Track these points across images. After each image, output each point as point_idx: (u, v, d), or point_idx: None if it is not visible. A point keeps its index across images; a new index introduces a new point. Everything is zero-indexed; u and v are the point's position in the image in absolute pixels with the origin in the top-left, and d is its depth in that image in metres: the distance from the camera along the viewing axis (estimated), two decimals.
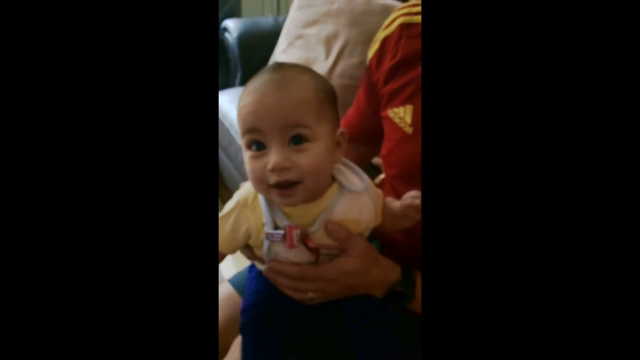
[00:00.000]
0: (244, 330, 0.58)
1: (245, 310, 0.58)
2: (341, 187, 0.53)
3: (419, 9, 0.63)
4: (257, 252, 0.56)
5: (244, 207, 0.53)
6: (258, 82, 0.50)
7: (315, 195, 0.51)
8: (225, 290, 0.73)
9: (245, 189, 0.54)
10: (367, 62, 0.70)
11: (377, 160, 1.03)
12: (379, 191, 0.58)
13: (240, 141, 0.51)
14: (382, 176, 0.98)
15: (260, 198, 0.52)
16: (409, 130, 0.62)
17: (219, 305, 0.70)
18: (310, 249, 0.52)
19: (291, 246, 0.50)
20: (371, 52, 0.69)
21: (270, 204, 0.52)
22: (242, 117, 0.49)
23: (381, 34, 0.67)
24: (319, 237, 0.52)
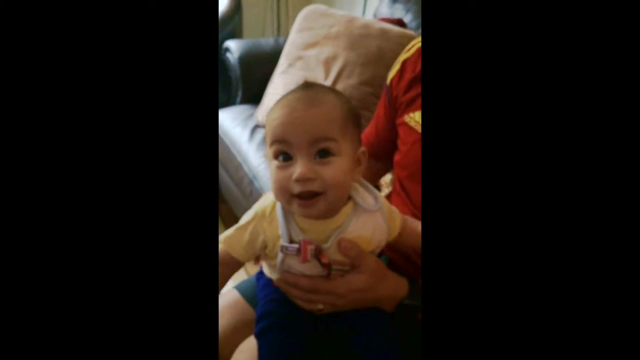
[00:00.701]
0: (260, 336, 0.59)
1: (261, 317, 0.60)
2: (356, 205, 0.55)
3: None
4: (271, 262, 0.57)
5: (261, 219, 0.55)
6: (289, 98, 0.53)
7: (332, 210, 0.53)
8: (232, 297, 0.75)
9: (264, 201, 0.56)
10: (388, 82, 0.77)
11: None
12: (395, 210, 0.60)
13: (267, 151, 0.53)
14: (382, 194, 1.01)
15: (278, 211, 0.54)
16: None
17: (226, 311, 0.72)
18: (323, 264, 0.53)
19: (305, 260, 0.52)
20: (392, 73, 0.77)
21: (287, 217, 0.54)
22: (272, 128, 0.52)
23: (401, 57, 0.76)
24: (332, 253, 0.54)
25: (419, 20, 1.48)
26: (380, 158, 0.82)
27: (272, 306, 0.59)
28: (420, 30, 1.44)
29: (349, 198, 0.55)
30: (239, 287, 0.76)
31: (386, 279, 0.58)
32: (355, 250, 0.54)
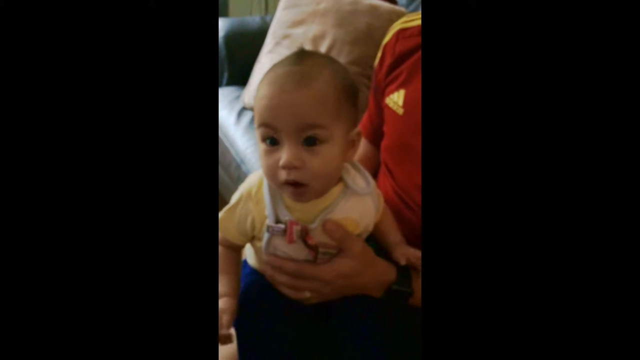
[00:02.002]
0: (239, 327, 0.58)
1: (241, 307, 0.58)
2: (346, 186, 0.53)
3: (413, 17, 0.73)
4: (258, 244, 0.56)
5: (247, 199, 0.53)
6: (278, 72, 0.49)
7: (322, 193, 0.52)
8: None
9: (250, 181, 0.55)
10: (374, 69, 0.77)
11: None
12: (379, 192, 0.59)
13: (256, 130, 0.51)
14: None
15: (265, 191, 0.53)
16: (400, 111, 0.68)
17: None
18: (309, 246, 0.52)
19: (290, 241, 0.51)
20: (377, 59, 0.77)
21: (274, 197, 0.52)
22: (258, 109, 0.49)
23: (383, 43, 0.76)
24: (319, 235, 0.53)
25: None
26: (375, 143, 0.81)
27: (253, 295, 0.58)
28: (410, 7, 1.40)
29: (340, 179, 0.53)
30: None
31: (373, 264, 0.57)
32: (340, 232, 0.53)
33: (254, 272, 0.60)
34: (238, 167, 1.30)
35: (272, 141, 0.48)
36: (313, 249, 0.52)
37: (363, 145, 0.78)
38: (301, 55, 0.50)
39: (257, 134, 0.50)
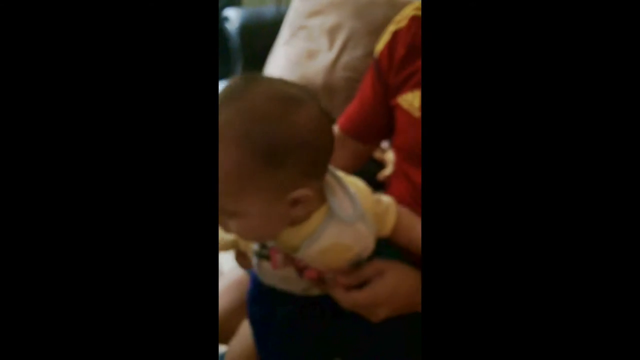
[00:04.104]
0: (254, 322, 0.59)
1: (253, 301, 0.59)
2: (332, 209, 0.48)
3: None
4: (249, 256, 0.55)
5: None
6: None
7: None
8: (236, 274, 0.75)
9: None
10: (376, 54, 0.70)
11: (379, 155, 1.02)
12: (390, 204, 0.55)
13: None
14: (386, 172, 0.97)
15: None
16: (417, 114, 0.64)
17: (232, 288, 0.73)
18: (300, 271, 0.51)
19: (275, 267, 0.51)
20: (381, 44, 0.70)
21: None
22: None
23: (392, 27, 0.69)
24: (311, 260, 0.50)
25: None
26: (363, 139, 0.75)
27: (265, 288, 0.57)
28: None
29: (324, 200, 0.49)
30: None
31: (410, 277, 0.54)
32: (328, 277, 0.51)
33: None
34: None
35: None
36: (299, 270, 0.51)
37: (348, 145, 0.73)
38: (232, 95, 0.44)
39: None
